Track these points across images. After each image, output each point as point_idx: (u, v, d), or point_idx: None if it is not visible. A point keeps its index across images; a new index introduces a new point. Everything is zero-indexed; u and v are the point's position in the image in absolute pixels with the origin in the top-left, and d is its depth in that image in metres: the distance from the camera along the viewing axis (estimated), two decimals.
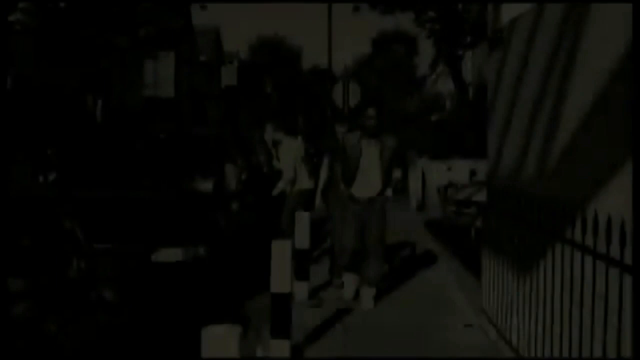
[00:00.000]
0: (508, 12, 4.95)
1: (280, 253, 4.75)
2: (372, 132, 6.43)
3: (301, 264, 6.64)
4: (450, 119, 22.18)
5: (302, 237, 6.57)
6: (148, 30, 29.24)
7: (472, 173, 15.41)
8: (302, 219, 6.58)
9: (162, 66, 39.85)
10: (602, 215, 3.18)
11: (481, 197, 7.30)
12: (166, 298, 5.69)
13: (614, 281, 3.03)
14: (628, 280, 2.89)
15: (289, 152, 8.31)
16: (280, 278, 4.73)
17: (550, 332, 3.95)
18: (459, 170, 15.44)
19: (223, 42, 60.00)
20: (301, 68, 70.29)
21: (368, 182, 6.44)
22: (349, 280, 6.66)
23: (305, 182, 8.41)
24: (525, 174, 4.42)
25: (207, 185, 6.94)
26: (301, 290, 6.66)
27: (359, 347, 5.33)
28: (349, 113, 14.97)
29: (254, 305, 6.58)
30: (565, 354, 3.68)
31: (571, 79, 3.58)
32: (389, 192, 6.56)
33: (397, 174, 6.72)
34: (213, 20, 70.64)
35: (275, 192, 8.22)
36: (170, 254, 5.73)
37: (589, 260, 3.33)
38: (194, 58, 50.46)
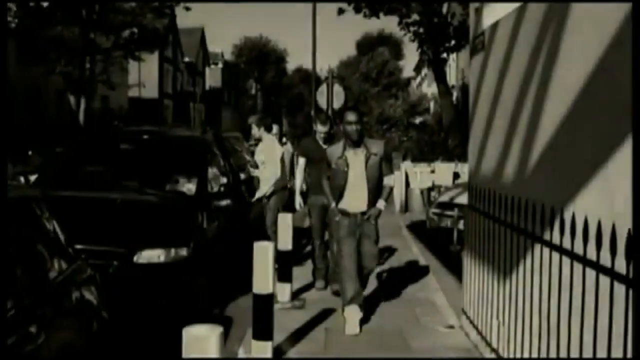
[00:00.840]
0: (489, 16, 5.00)
1: (262, 254, 4.76)
2: (355, 139, 5.80)
3: (284, 266, 6.65)
4: (434, 121, 22.27)
5: (285, 239, 6.58)
6: (132, 31, 29.17)
7: (456, 175, 15.52)
8: (285, 221, 6.59)
9: (146, 67, 39.74)
10: (580, 216, 3.22)
11: (464, 199, 7.35)
12: (148, 299, 5.68)
13: (592, 282, 3.07)
14: (605, 281, 2.94)
15: (272, 152, 8.32)
16: (262, 279, 4.75)
17: (529, 333, 4.00)
18: (443, 172, 15.54)
19: (208, 43, 59.93)
20: (286, 69, 70.35)
21: (358, 196, 5.85)
22: (353, 314, 5.78)
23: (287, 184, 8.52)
24: (506, 175, 4.47)
25: (190, 187, 6.91)
26: (284, 291, 6.67)
27: (341, 349, 5.34)
28: (333, 115, 15.03)
29: (236, 306, 6.59)
30: (544, 355, 3.72)
31: (550, 81, 3.63)
32: (381, 203, 5.89)
33: (389, 181, 5.96)
34: (198, 21, 70.46)
35: (258, 195, 8.24)
36: (152, 256, 5.71)
37: (567, 261, 3.38)
38: (178, 59, 50.35)
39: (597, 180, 3.04)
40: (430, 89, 41.24)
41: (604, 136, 2.97)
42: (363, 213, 5.85)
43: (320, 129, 7.34)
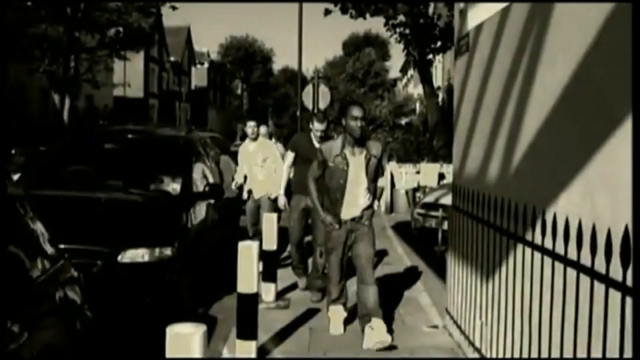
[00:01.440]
0: (474, 18, 5.03)
1: (247, 254, 4.77)
2: (357, 136, 5.32)
3: (268, 266, 6.66)
4: (420, 122, 22.36)
5: (270, 239, 6.59)
6: (117, 29, 29.07)
7: (441, 176, 15.59)
8: (270, 221, 6.60)
9: (132, 66, 39.61)
10: (561, 217, 3.26)
11: (449, 200, 7.39)
12: (133, 299, 5.67)
13: (573, 282, 3.11)
14: (585, 280, 2.98)
15: (275, 152, 8.40)
16: (247, 279, 4.75)
17: (512, 333, 4.03)
18: (428, 173, 15.61)
19: (194, 42, 59.81)
20: (272, 69, 70.34)
21: (354, 200, 5.44)
22: (337, 314, 5.72)
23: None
24: (489, 176, 4.51)
25: (174, 186, 6.89)
26: (268, 291, 6.68)
27: (325, 348, 5.36)
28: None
29: (221, 306, 6.59)
30: (527, 355, 3.76)
31: (532, 83, 3.67)
32: (375, 204, 5.73)
33: (382, 182, 5.74)
34: (184, 20, 70.22)
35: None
36: (136, 255, 5.69)
37: (549, 261, 3.42)
38: (163, 58, 50.21)
39: (578, 180, 3.07)
40: (416, 90, 41.39)
41: (584, 137, 3.01)
42: (354, 219, 5.49)
43: (318, 126, 6.97)
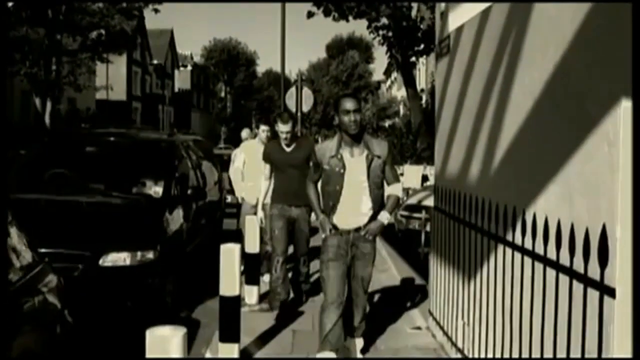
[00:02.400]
0: (454, 20, 5.06)
1: (229, 257, 4.76)
2: (353, 132, 4.50)
3: (251, 268, 6.64)
4: (403, 124, 22.44)
5: (252, 242, 6.57)
6: (99, 32, 28.89)
7: (424, 178, 15.64)
8: (252, 223, 6.58)
9: (114, 69, 39.40)
10: (541, 217, 3.29)
11: (432, 201, 7.42)
12: (114, 302, 5.63)
13: (553, 281, 3.13)
14: (565, 280, 3.00)
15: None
16: (229, 281, 4.74)
17: (493, 333, 4.05)
18: (411, 175, 15.65)
19: (177, 45, 59.62)
20: (256, 72, 70.28)
21: (354, 207, 4.62)
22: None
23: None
24: (470, 177, 4.53)
25: (156, 189, 6.86)
26: (251, 294, 6.66)
27: (309, 350, 5.35)
28: (302, 117, 15.01)
29: (204, 309, 6.57)
30: (508, 355, 3.78)
31: (512, 85, 3.69)
32: (384, 216, 4.65)
33: (395, 190, 4.76)
34: (167, 23, 70.00)
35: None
36: (118, 259, 5.66)
37: (529, 261, 3.44)
38: (146, 61, 50.00)
39: (557, 181, 3.10)
40: (400, 92, 41.57)
41: (562, 138, 3.04)
42: (358, 229, 4.66)
43: (282, 128, 6.34)
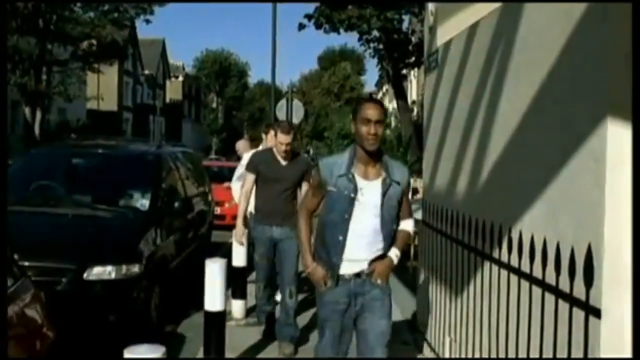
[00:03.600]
0: (443, 35, 5.06)
1: (214, 271, 4.70)
2: (371, 148, 3.48)
3: (238, 282, 6.59)
4: (394, 137, 22.43)
5: (239, 255, 6.52)
6: (90, 42, 28.84)
7: (414, 191, 15.58)
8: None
9: (105, 79, 39.31)
10: (527, 235, 3.26)
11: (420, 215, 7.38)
12: (98, 316, 5.55)
13: (539, 299, 3.10)
14: (551, 298, 2.97)
15: None
16: (213, 296, 4.67)
17: (479, 350, 4.02)
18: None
19: (168, 55, 59.57)
20: (247, 83, 70.33)
21: (367, 245, 3.57)
22: None
23: None
24: (457, 192, 4.51)
25: (143, 202, 6.80)
26: (238, 308, 6.60)
27: None
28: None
29: (190, 323, 6.49)
30: None
31: (499, 101, 3.67)
32: (394, 252, 3.64)
33: (408, 225, 3.78)
34: (159, 33, 70.11)
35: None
36: (103, 272, 5.58)
37: (515, 279, 3.41)
38: (138, 71, 49.93)
39: (542, 198, 3.07)
40: (392, 104, 41.68)
41: (548, 155, 3.01)
42: (359, 275, 3.60)
43: (282, 138, 5.55)
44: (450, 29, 4.87)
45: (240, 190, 5.98)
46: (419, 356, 5.52)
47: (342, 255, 3.56)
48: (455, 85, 4.57)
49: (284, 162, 5.71)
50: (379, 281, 3.60)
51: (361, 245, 3.56)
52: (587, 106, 2.66)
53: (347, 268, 3.59)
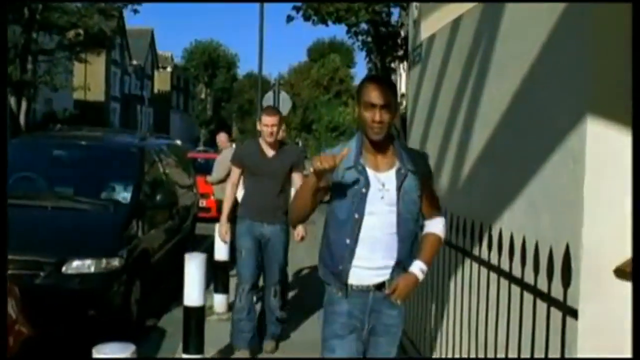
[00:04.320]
0: (427, 29, 5.01)
1: (193, 266, 4.64)
2: (378, 137, 2.94)
3: (220, 277, 6.54)
4: None
5: (222, 249, 6.46)
6: (77, 32, 28.57)
7: None
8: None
9: (93, 69, 39.01)
10: (508, 233, 3.23)
11: None
12: (77, 311, 5.48)
13: (518, 298, 3.07)
14: (530, 297, 2.94)
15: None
16: (193, 291, 4.63)
17: (459, 350, 3.99)
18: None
19: (157, 46, 59.24)
20: (236, 75, 70.04)
21: (381, 251, 2.98)
22: None
23: None
24: (440, 189, 4.46)
25: (125, 195, 6.72)
26: (220, 303, 6.55)
27: None
28: None
29: (171, 318, 6.44)
30: None
31: (480, 97, 3.63)
32: (417, 266, 3.03)
33: (437, 227, 3.18)
34: (147, 24, 69.62)
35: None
36: (82, 266, 5.52)
37: (495, 277, 3.38)
38: (126, 61, 49.57)
39: (523, 197, 3.04)
40: None
41: (528, 152, 2.98)
42: (381, 286, 2.99)
43: (267, 120, 5.18)
44: (434, 22, 4.82)
45: (226, 185, 5.67)
46: (401, 356, 5.49)
47: (350, 262, 2.96)
48: (438, 80, 4.53)
49: (270, 154, 5.28)
50: (398, 301, 3.01)
51: (376, 249, 2.96)
52: (568, 104, 2.62)
53: (359, 277, 2.98)
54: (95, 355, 2.42)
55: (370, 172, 2.97)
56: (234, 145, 7.20)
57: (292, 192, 5.13)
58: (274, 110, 5.51)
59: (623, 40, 2.41)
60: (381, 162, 3.00)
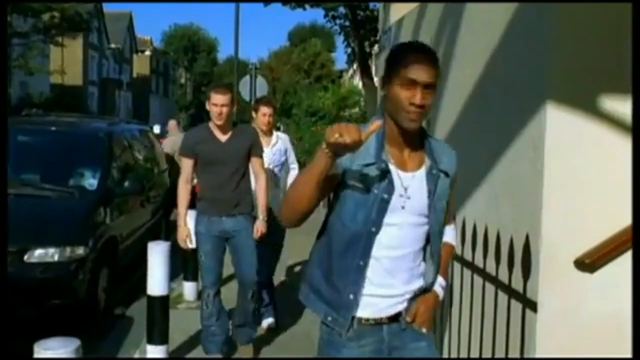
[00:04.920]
0: (396, 12, 4.91)
1: (157, 254, 4.55)
2: (413, 125, 2.15)
3: (190, 264, 6.44)
4: (360, 115, 22.33)
5: (191, 236, 6.35)
6: (52, 14, 28.13)
7: None
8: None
9: (69, 52, 38.47)
10: (470, 223, 3.17)
11: None
12: (39, 300, 5.37)
13: (480, 289, 3.02)
14: (491, 288, 2.88)
15: None
16: (156, 280, 4.53)
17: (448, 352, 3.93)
18: None
19: (136, 29, 58.52)
20: (216, 59, 69.54)
21: (403, 270, 2.24)
22: None
23: None
24: None
25: (92, 182, 6.58)
26: (190, 291, 6.46)
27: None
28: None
29: (139, 307, 6.32)
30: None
31: (446, 81, 3.56)
32: (439, 285, 2.36)
33: (451, 236, 2.49)
34: (125, 7, 68.84)
35: None
36: (45, 254, 5.39)
37: (459, 267, 3.32)
38: (104, 45, 48.95)
39: (485, 185, 2.97)
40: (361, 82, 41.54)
41: (490, 140, 2.91)
42: (396, 317, 2.25)
43: (216, 99, 4.57)
44: (403, 6, 4.73)
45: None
46: None
47: (361, 289, 2.21)
48: None
49: (223, 138, 4.66)
50: (424, 329, 2.28)
51: (396, 272, 2.23)
52: (528, 91, 2.55)
53: (374, 309, 2.22)
54: (36, 352, 2.33)
55: (394, 169, 2.19)
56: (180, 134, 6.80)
57: (252, 181, 4.84)
58: (225, 88, 4.87)
59: (584, 26, 2.34)
60: (409, 159, 2.24)
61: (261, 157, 4.88)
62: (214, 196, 4.63)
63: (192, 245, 4.87)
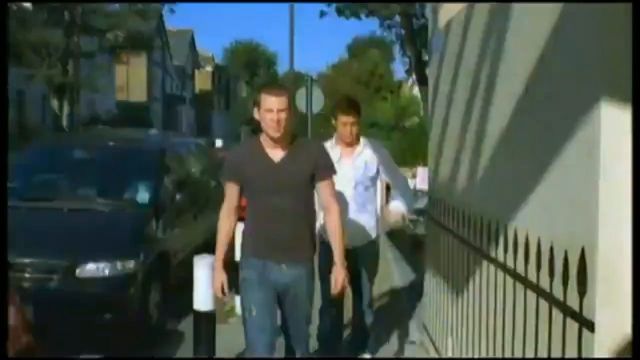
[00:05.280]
0: (445, 15, 4.73)
1: (203, 268, 4.49)
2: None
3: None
4: (418, 125, 22.05)
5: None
6: (116, 34, 28.93)
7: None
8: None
9: (134, 70, 39.49)
10: (523, 233, 2.95)
11: None
12: (91, 315, 5.37)
13: (522, 298, 2.80)
14: (543, 303, 2.67)
15: None
16: (202, 295, 4.47)
17: (479, 353, 3.72)
18: (424, 176, 15.27)
19: (197, 46, 59.58)
20: (277, 72, 70.16)
21: None
22: None
23: None
24: (459, 183, 4.20)
25: (144, 195, 6.59)
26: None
27: None
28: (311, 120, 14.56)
29: (190, 322, 6.29)
30: None
31: (495, 86, 3.36)
32: None
33: None
34: (187, 24, 70.27)
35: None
36: (96, 269, 5.41)
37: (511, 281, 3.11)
38: (166, 62, 50.02)
39: (537, 195, 2.76)
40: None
41: (542, 147, 2.70)
42: None
43: (271, 103, 3.57)
44: (452, 8, 4.54)
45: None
46: (424, 356, 5.24)
47: None
48: (455, 70, 4.25)
49: (277, 157, 3.62)
50: None
51: None
52: (581, 94, 2.34)
53: None
54: None
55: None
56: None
57: (317, 210, 3.89)
58: (280, 87, 3.92)
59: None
60: None
61: (332, 181, 3.74)
62: (265, 235, 3.63)
63: (228, 297, 4.16)
